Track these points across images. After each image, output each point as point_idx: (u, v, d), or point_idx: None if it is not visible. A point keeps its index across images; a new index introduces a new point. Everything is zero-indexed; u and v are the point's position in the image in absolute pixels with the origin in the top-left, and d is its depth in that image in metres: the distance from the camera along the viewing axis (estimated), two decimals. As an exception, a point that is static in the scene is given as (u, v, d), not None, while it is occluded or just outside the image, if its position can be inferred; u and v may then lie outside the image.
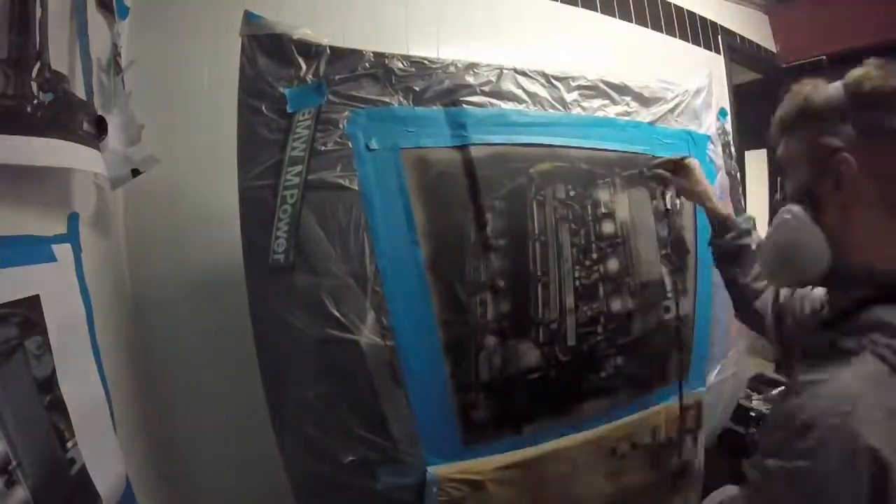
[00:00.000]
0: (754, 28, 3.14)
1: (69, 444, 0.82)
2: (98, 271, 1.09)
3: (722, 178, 1.76)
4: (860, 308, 0.64)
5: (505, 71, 1.31)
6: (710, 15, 2.79)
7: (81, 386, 0.89)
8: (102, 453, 0.92)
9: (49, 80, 0.84)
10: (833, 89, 0.70)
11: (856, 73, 0.69)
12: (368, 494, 1.08)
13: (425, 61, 1.22)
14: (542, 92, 1.36)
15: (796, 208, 0.71)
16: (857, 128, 0.66)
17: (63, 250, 0.89)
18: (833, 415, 0.55)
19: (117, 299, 1.29)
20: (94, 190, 1.14)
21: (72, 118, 0.92)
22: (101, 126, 1.04)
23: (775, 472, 0.59)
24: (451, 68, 1.24)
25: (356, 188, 1.09)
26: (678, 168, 1.27)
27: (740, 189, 2.08)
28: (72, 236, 0.94)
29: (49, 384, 0.79)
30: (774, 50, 3.27)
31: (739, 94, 2.86)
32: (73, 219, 0.96)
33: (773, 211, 0.84)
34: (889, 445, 0.52)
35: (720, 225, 1.16)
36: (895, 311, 0.61)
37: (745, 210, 2.09)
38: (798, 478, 0.57)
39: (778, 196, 0.82)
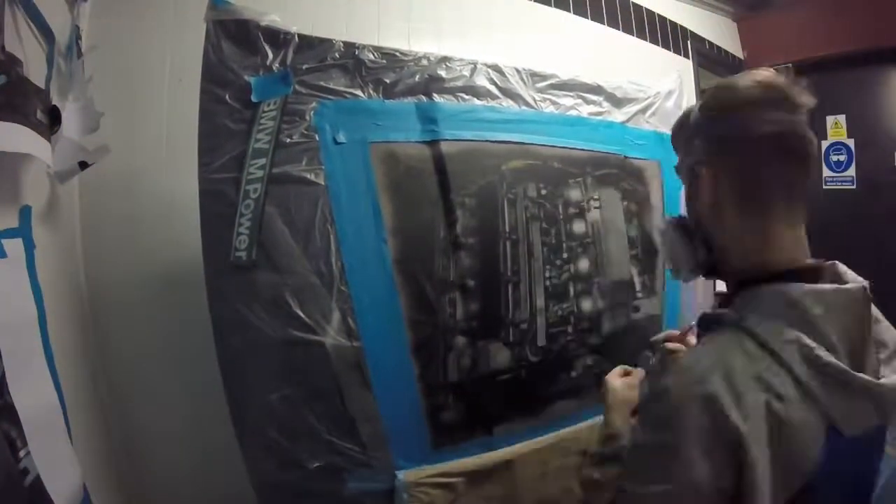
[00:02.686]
0: (723, 35, 3.22)
1: (21, 454, 0.76)
2: (51, 268, 1.03)
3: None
4: (735, 292, 0.73)
5: (478, 66, 1.30)
6: (681, 20, 2.84)
7: (33, 391, 0.84)
8: (57, 462, 0.87)
9: (2, 63, 0.79)
10: (693, 111, 0.78)
11: (705, 95, 0.77)
12: (336, 501, 1.05)
13: (397, 53, 1.20)
14: (516, 88, 1.35)
15: (667, 218, 0.85)
16: (706, 140, 0.74)
17: (14, 245, 0.84)
18: (685, 381, 0.63)
19: (72, 298, 1.23)
20: (48, 181, 1.08)
21: (25, 104, 0.86)
22: (54, 116, 0.99)
23: (638, 438, 0.69)
24: (424, 61, 1.22)
25: (322, 183, 1.06)
26: (681, 340, 1.13)
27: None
28: (23, 231, 0.89)
29: (-2, 389, 0.74)
30: (742, 57, 3.35)
31: (706, 98, 2.92)
32: (25, 212, 0.91)
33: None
34: (728, 397, 0.59)
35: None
36: (765, 291, 0.68)
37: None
38: (654, 432, 0.64)
39: None
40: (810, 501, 0.63)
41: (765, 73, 0.71)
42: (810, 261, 0.72)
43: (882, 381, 0.64)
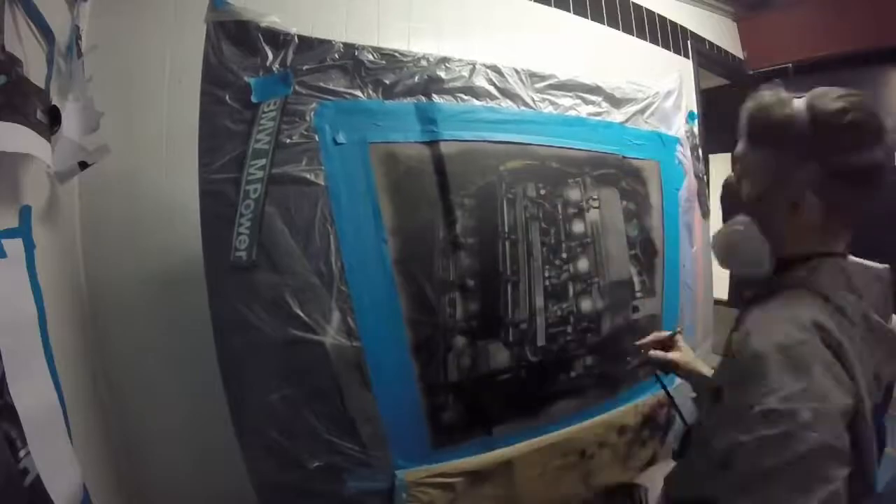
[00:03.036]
0: (723, 35, 3.22)
1: (21, 454, 0.76)
2: (51, 268, 1.03)
3: (690, 181, 1.78)
4: (786, 268, 0.80)
5: (477, 66, 1.30)
6: (681, 20, 2.84)
7: (33, 391, 0.84)
8: (57, 462, 0.87)
9: (2, 63, 0.79)
10: (800, 114, 0.75)
11: (823, 103, 0.74)
12: (336, 500, 1.05)
13: (396, 54, 1.20)
14: (515, 89, 1.35)
15: (746, 220, 0.83)
16: (823, 167, 0.74)
17: (13, 245, 0.84)
18: (778, 329, 0.69)
19: (72, 298, 1.23)
20: (48, 181, 1.08)
21: (25, 104, 0.86)
22: (54, 117, 0.99)
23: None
24: (423, 62, 1.22)
25: (322, 183, 1.06)
26: (670, 344, 1.18)
27: (707, 192, 2.11)
28: (23, 231, 0.88)
29: (-2, 389, 0.74)
30: (742, 57, 3.35)
31: (706, 98, 2.92)
32: (25, 212, 0.90)
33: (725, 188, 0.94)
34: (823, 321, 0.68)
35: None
36: (820, 262, 0.77)
37: (709, 211, 2.12)
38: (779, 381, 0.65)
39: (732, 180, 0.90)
40: (860, 428, 0.67)
41: (862, 98, 0.75)
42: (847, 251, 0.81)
43: None
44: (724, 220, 0.90)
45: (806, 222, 0.77)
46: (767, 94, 0.80)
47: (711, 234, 0.94)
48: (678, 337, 1.18)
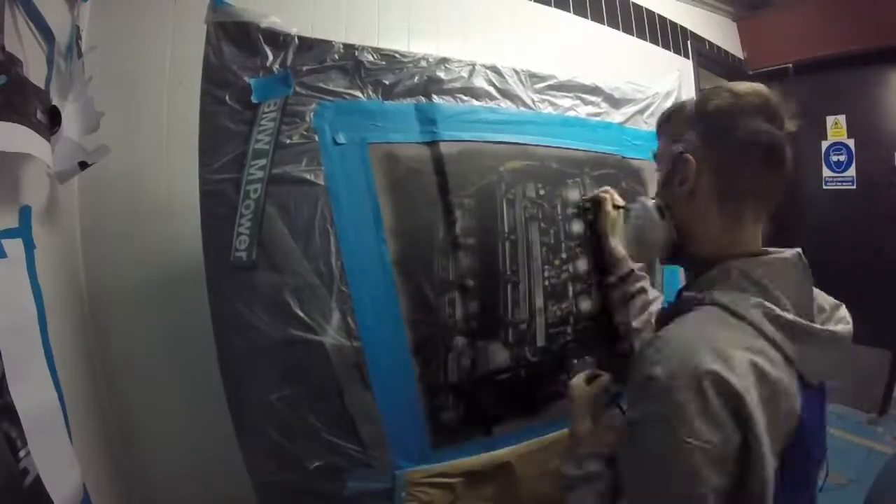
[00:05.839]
0: (723, 35, 3.22)
1: (21, 454, 0.76)
2: (51, 268, 1.03)
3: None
4: (702, 272, 0.80)
5: (477, 67, 1.30)
6: (681, 20, 2.84)
7: (33, 391, 0.84)
8: (57, 462, 0.87)
9: (1, 63, 0.79)
10: (689, 105, 0.85)
11: (705, 93, 0.83)
12: (335, 500, 1.05)
13: (396, 55, 1.20)
14: (514, 89, 1.35)
15: (647, 200, 0.89)
16: (698, 135, 0.81)
17: (13, 245, 0.84)
18: (675, 361, 0.65)
19: (71, 298, 1.23)
20: (48, 182, 1.08)
21: (25, 104, 0.86)
22: (54, 117, 0.99)
23: (637, 420, 0.69)
24: (423, 62, 1.22)
25: (322, 183, 1.06)
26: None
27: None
28: (23, 231, 0.89)
29: (-2, 389, 0.74)
30: (742, 57, 3.35)
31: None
32: (24, 212, 0.91)
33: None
34: (734, 373, 0.63)
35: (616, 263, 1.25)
36: (724, 266, 0.77)
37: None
38: (654, 413, 0.66)
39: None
40: (796, 456, 0.69)
41: (761, 87, 0.79)
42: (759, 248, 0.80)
43: (836, 328, 0.75)
44: None
45: (706, 213, 0.80)
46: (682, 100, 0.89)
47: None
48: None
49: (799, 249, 0.78)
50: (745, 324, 0.69)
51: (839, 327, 0.76)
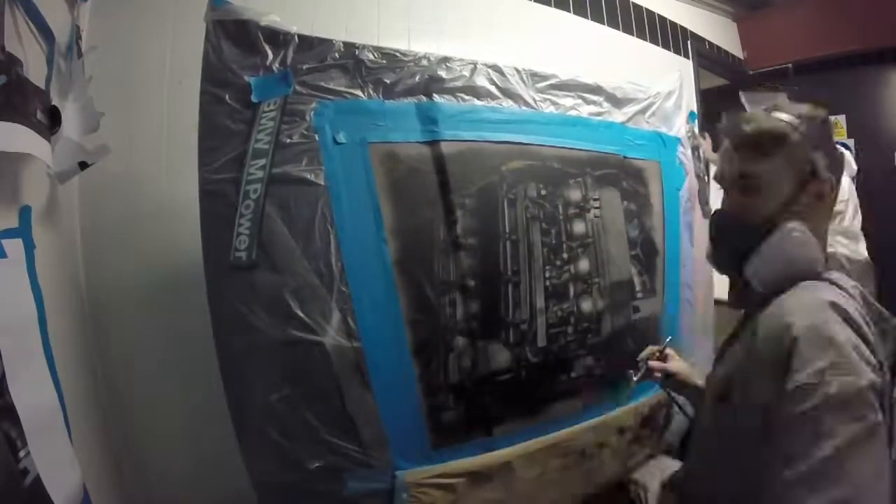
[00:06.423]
0: (723, 35, 3.22)
1: (21, 454, 0.76)
2: (51, 268, 1.03)
3: (691, 181, 1.77)
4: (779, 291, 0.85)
5: (479, 66, 1.29)
6: (681, 20, 2.84)
7: (33, 391, 0.83)
8: (57, 462, 0.86)
9: (1, 63, 0.79)
10: (794, 131, 0.86)
11: (803, 119, 0.88)
12: (336, 501, 1.05)
13: (397, 53, 1.19)
14: (516, 89, 1.34)
15: (798, 225, 0.85)
16: (826, 156, 0.86)
17: (13, 246, 0.83)
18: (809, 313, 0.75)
19: (71, 298, 1.23)
20: (48, 182, 1.08)
21: (25, 104, 0.86)
22: (54, 117, 0.99)
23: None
24: (424, 62, 1.22)
25: (322, 183, 1.06)
26: (662, 357, 1.27)
27: (707, 191, 2.11)
28: (23, 231, 0.88)
29: (-2, 389, 0.74)
30: (742, 57, 3.36)
31: (706, 99, 2.92)
32: (24, 212, 0.90)
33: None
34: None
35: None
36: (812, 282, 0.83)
37: (710, 211, 2.11)
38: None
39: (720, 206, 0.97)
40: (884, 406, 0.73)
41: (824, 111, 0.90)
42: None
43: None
44: (715, 252, 0.97)
45: (823, 223, 0.90)
46: (758, 113, 0.92)
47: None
48: (668, 350, 1.26)
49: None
50: (844, 292, 0.80)
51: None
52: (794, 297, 0.81)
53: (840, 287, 0.81)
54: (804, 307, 0.77)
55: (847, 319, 0.74)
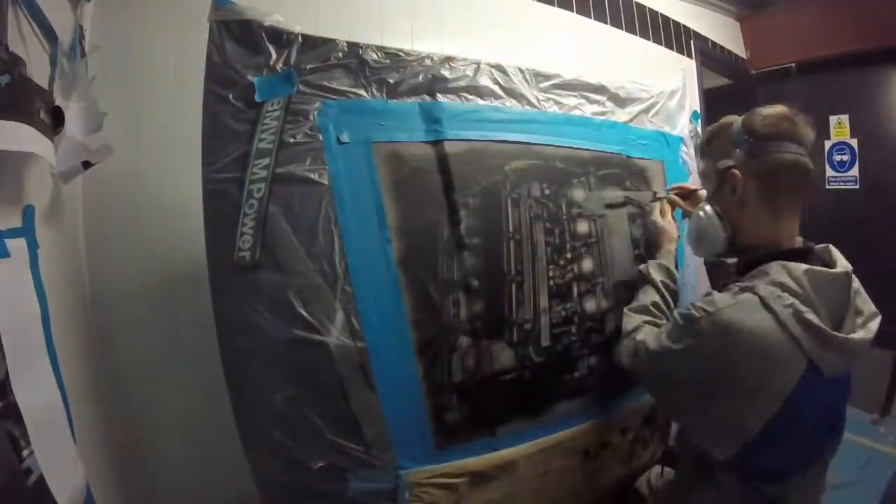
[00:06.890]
0: (726, 34, 3.22)
1: (25, 453, 0.76)
2: (55, 268, 1.03)
3: (694, 180, 1.77)
4: (752, 266, 1.01)
5: (482, 66, 1.29)
6: (684, 20, 2.84)
7: (37, 390, 0.84)
8: (61, 461, 0.87)
9: (5, 62, 0.79)
10: (728, 129, 1.07)
11: (751, 117, 1.04)
12: (339, 500, 1.05)
13: (400, 53, 1.19)
14: (519, 88, 1.34)
15: (708, 207, 1.10)
16: (747, 153, 1.03)
17: (17, 245, 0.84)
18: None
19: (75, 298, 1.23)
20: (52, 181, 1.08)
21: (29, 103, 0.86)
22: (57, 117, 0.99)
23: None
24: (427, 61, 1.22)
25: (326, 183, 1.06)
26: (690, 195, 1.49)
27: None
28: (27, 230, 0.89)
29: (1, 389, 0.74)
30: (745, 56, 3.35)
31: (709, 98, 2.92)
32: (28, 211, 0.91)
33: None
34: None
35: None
36: (775, 266, 0.95)
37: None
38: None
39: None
40: (787, 418, 0.90)
41: (786, 111, 1.01)
42: (802, 243, 1.03)
43: (851, 336, 0.91)
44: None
45: (753, 214, 1.03)
46: (720, 121, 1.13)
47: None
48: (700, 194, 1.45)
49: (850, 268, 0.97)
50: (772, 316, 0.90)
51: (858, 335, 0.92)
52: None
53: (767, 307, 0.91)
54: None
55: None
